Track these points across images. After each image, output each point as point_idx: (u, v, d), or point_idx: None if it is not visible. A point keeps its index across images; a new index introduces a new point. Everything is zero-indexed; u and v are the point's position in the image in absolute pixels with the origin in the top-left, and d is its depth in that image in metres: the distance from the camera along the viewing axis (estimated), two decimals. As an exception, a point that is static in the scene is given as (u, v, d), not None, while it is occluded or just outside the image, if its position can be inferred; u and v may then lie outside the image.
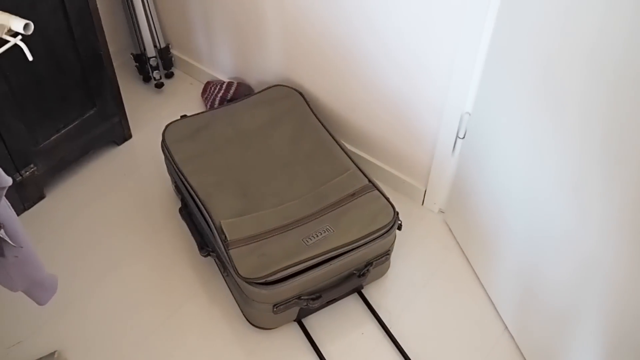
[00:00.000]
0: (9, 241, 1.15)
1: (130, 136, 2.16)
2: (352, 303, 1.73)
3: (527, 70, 1.34)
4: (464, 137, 1.71)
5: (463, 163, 1.74)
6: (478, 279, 1.79)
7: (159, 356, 1.63)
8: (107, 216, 1.93)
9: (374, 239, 1.59)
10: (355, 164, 1.75)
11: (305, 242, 1.55)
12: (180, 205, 1.84)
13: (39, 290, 1.34)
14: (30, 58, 0.93)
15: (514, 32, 1.35)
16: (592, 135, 1.19)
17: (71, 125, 1.92)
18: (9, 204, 1.17)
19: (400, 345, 1.64)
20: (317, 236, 1.56)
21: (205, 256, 1.69)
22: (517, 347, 1.65)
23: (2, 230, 1.12)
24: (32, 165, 1.86)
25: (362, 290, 1.74)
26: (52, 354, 1.61)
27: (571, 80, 1.21)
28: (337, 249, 1.55)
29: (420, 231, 1.90)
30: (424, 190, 1.93)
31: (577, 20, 1.15)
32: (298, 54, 1.95)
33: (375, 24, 1.67)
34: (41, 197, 1.97)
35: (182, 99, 2.30)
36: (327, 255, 1.54)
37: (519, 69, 1.37)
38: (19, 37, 0.93)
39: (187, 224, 1.77)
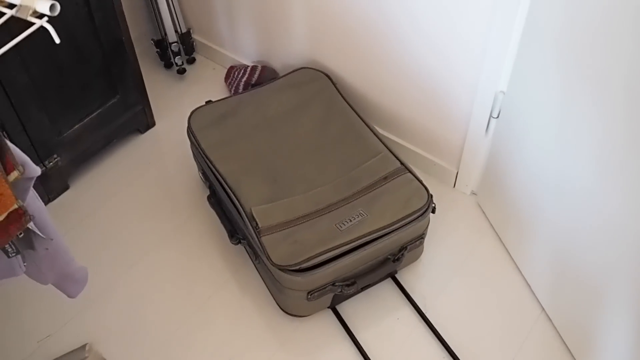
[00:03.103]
0: (39, 233, 1.12)
1: (153, 124, 2.12)
2: (386, 288, 1.69)
3: (565, 48, 1.29)
4: (497, 117, 1.65)
5: (496, 143, 1.69)
6: (513, 260, 1.75)
7: (191, 346, 1.60)
8: (133, 206, 1.91)
9: (408, 223, 1.55)
10: (386, 146, 1.70)
11: (339, 227, 1.51)
12: (207, 193, 1.80)
13: (69, 282, 1.32)
14: (57, 40, 0.89)
15: (551, 7, 1.30)
16: (627, 110, 1.15)
17: (94, 114, 1.89)
18: (37, 195, 1.14)
19: (436, 329, 1.60)
20: (351, 221, 1.52)
21: (235, 244, 1.65)
22: (555, 328, 1.61)
23: (32, 223, 1.09)
24: (55, 156, 1.84)
25: (396, 275, 1.71)
26: (83, 346, 1.59)
27: (611, 58, 1.16)
28: (372, 234, 1.51)
29: (453, 214, 1.86)
30: (456, 172, 1.88)
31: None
32: (324, 34, 1.90)
33: None
34: (65, 188, 1.95)
35: (205, 85, 2.27)
36: (361, 240, 1.50)
37: (555, 47, 1.32)
38: (45, 18, 0.89)
39: (216, 212, 1.74)
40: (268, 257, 1.47)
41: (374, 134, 1.74)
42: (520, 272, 1.72)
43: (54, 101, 1.76)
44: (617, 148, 1.21)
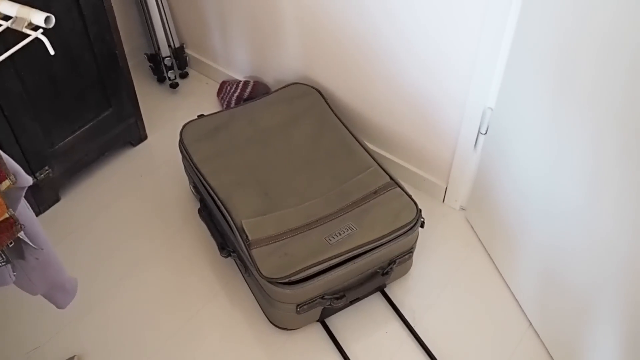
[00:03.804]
0: (30, 243, 1.13)
1: (145, 137, 2.13)
2: (375, 302, 1.70)
3: (551, 65, 1.31)
4: (486, 133, 1.67)
5: (485, 159, 1.71)
6: (501, 275, 1.76)
7: (180, 359, 1.60)
8: (124, 218, 1.91)
9: (397, 237, 1.56)
10: (376, 161, 1.72)
11: (328, 240, 1.52)
12: (199, 206, 1.81)
13: (59, 293, 1.32)
14: (52, 52, 0.90)
15: (537, 25, 1.32)
16: (616, 129, 1.16)
17: (87, 126, 1.90)
18: (28, 205, 1.15)
19: (424, 343, 1.61)
20: (340, 234, 1.54)
21: (226, 257, 1.66)
22: (542, 343, 1.61)
23: (23, 232, 1.10)
24: (47, 168, 1.84)
25: (385, 289, 1.71)
26: (71, 358, 1.58)
27: (600, 76, 1.18)
28: (361, 247, 1.52)
29: (442, 229, 1.87)
30: (445, 187, 1.90)
31: (604, 12, 1.11)
32: (316, 50, 1.92)
33: (396, 17, 1.64)
34: (56, 199, 1.95)
35: (197, 99, 2.28)
36: (350, 253, 1.51)
37: (542, 64, 1.34)
38: (40, 30, 0.91)
39: (207, 225, 1.74)
40: (257, 270, 1.48)
41: (364, 148, 1.76)
42: (508, 287, 1.73)
43: (48, 112, 1.77)
44: (606, 167, 1.22)
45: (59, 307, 1.34)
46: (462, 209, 1.92)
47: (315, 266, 1.48)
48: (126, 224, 1.90)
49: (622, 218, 1.21)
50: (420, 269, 1.77)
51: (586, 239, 1.34)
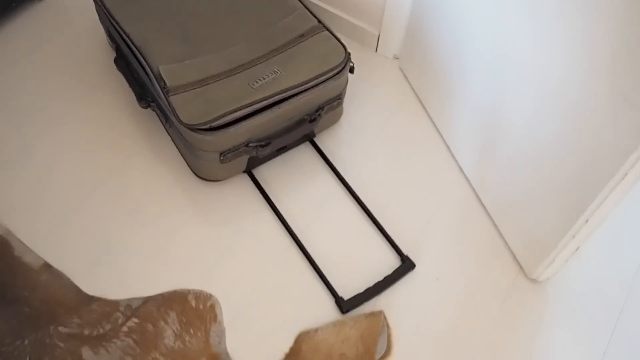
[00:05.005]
0: None
1: (55, -13, 1.96)
2: (304, 152, 1.65)
3: None
4: (419, -29, 1.58)
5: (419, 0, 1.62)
6: (434, 125, 1.72)
7: (103, 215, 1.53)
8: (36, 76, 1.78)
9: (324, 81, 1.49)
10: (303, 4, 1.61)
11: (252, 85, 1.44)
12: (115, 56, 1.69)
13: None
14: None
15: None
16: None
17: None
18: None
19: (355, 192, 1.58)
20: (264, 79, 1.45)
21: (145, 107, 1.57)
22: (475, 192, 1.61)
23: None
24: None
25: (315, 139, 1.66)
26: (-13, 217, 1.51)
27: None
28: (286, 92, 1.44)
29: (374, 78, 1.80)
30: (378, 34, 1.82)
31: None
32: None
33: None
34: (-40, 56, 1.80)
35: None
36: (275, 97, 1.43)
37: None
38: None
39: (124, 75, 1.63)
40: (177, 117, 1.40)
41: (291, -9, 1.64)
42: (442, 136, 1.70)
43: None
44: (556, 11, 1.15)
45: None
46: (396, 57, 1.85)
47: (237, 111, 1.40)
48: (39, 82, 1.76)
49: (565, 55, 1.15)
50: (352, 119, 1.72)
51: (525, 82, 1.28)
